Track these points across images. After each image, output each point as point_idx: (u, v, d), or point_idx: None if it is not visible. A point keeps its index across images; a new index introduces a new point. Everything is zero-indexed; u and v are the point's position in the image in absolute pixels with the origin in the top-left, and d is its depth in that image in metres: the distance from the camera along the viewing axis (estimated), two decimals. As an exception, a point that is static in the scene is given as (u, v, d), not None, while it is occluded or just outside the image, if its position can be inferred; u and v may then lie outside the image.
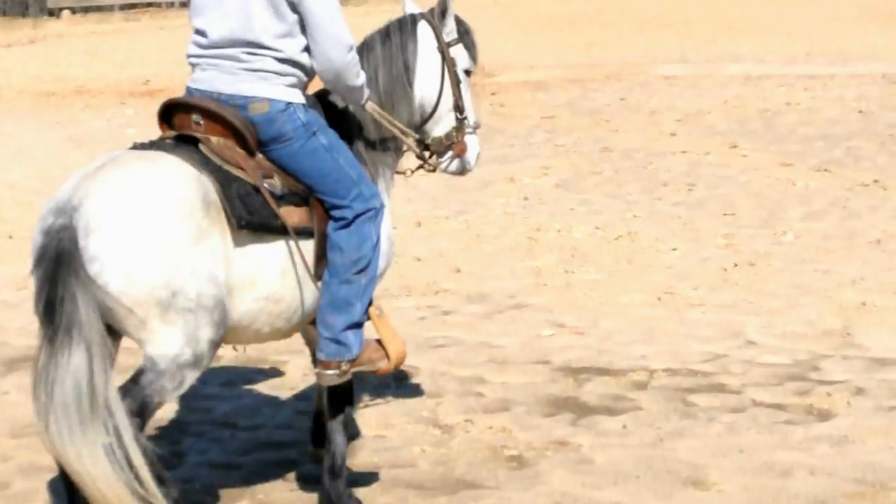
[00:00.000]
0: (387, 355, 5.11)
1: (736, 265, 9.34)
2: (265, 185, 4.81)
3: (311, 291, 4.97)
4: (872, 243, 9.97)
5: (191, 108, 4.88)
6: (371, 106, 5.17)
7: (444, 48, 5.38)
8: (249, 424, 6.36)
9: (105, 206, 4.42)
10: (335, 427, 5.25)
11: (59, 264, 4.35)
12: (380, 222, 5.05)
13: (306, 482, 5.65)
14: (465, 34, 5.48)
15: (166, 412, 6.30)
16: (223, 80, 4.90)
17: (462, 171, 5.52)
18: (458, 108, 5.42)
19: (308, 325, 5.21)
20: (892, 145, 14.00)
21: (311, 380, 5.97)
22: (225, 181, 4.70)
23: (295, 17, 4.89)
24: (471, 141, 5.47)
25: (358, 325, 5.02)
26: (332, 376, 5.04)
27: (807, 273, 9.10)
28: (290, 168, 4.95)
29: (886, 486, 5.49)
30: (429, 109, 5.39)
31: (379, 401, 6.66)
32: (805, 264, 9.36)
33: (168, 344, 4.51)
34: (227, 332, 4.73)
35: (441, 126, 5.42)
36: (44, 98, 19.40)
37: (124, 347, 4.77)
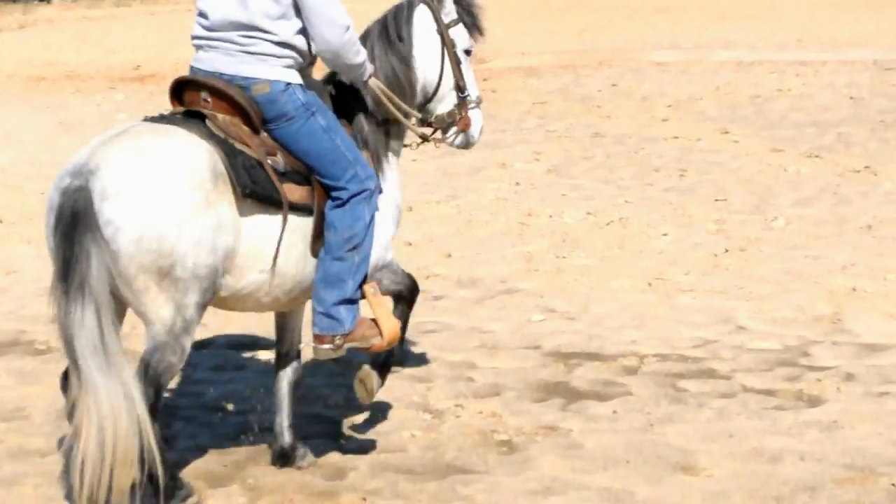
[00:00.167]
0: (380, 333, 5.23)
1: (727, 251, 9.34)
2: (269, 161, 4.99)
3: (311, 267, 5.13)
4: (863, 229, 9.98)
5: (200, 85, 5.06)
6: (375, 82, 5.31)
7: (443, 30, 5.52)
8: (239, 409, 6.35)
9: (121, 174, 4.61)
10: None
11: (75, 224, 4.53)
12: (374, 203, 5.18)
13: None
14: (463, 13, 5.58)
15: (156, 396, 6.28)
16: (223, 61, 5.06)
17: (467, 144, 5.70)
18: (460, 87, 5.57)
19: (282, 312, 5.48)
20: (882, 131, 14.02)
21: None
22: (231, 152, 4.88)
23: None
24: (474, 115, 5.63)
25: (350, 302, 5.15)
26: (326, 350, 5.19)
27: (797, 259, 9.10)
28: (290, 147, 5.11)
29: (875, 472, 5.49)
30: (431, 90, 5.55)
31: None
32: (796, 250, 9.36)
33: (162, 311, 4.69)
34: (228, 300, 4.97)
35: (444, 105, 5.59)
36: (34, 83, 19.36)
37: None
